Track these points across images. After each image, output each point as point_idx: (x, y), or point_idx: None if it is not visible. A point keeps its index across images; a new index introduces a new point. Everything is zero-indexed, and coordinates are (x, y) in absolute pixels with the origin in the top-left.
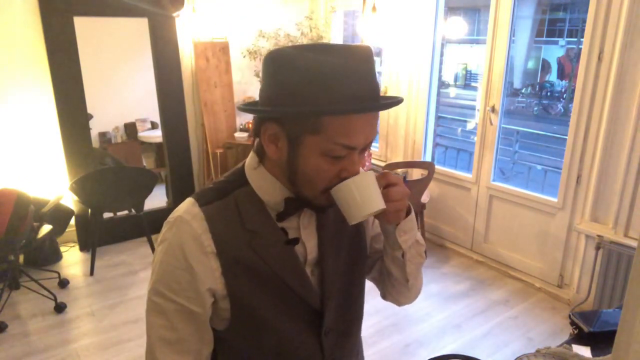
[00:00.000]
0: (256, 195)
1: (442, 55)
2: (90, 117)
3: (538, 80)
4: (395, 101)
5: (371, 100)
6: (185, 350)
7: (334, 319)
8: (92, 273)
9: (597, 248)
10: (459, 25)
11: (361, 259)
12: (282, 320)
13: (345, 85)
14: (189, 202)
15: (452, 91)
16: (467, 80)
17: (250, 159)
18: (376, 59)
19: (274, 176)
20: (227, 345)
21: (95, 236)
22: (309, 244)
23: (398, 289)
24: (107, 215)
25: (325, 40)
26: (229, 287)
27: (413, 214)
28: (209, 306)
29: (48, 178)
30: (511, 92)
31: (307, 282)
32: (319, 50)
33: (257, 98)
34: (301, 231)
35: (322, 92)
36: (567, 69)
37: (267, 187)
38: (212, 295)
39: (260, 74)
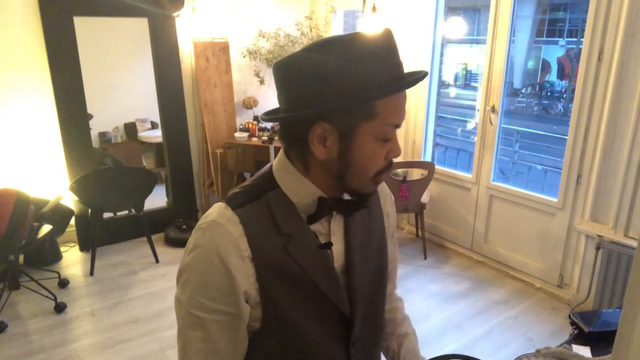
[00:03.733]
0: (287, 197)
1: (442, 55)
2: (90, 117)
3: (538, 80)
4: (424, 73)
5: (404, 76)
6: None
7: (361, 329)
8: (92, 273)
9: (597, 248)
10: (459, 25)
11: (384, 270)
12: (313, 327)
13: (387, 64)
14: (220, 206)
15: (452, 91)
16: (467, 80)
17: (279, 162)
18: None
19: (315, 178)
20: (251, 354)
21: (95, 236)
22: (336, 251)
23: None
24: (107, 215)
25: None
26: (262, 293)
27: None
28: (248, 310)
29: (48, 178)
30: (511, 92)
31: (340, 288)
32: (350, 40)
33: (257, 98)
34: (331, 236)
35: (372, 75)
36: (567, 69)
37: (298, 188)
38: (246, 300)
39: (280, 82)
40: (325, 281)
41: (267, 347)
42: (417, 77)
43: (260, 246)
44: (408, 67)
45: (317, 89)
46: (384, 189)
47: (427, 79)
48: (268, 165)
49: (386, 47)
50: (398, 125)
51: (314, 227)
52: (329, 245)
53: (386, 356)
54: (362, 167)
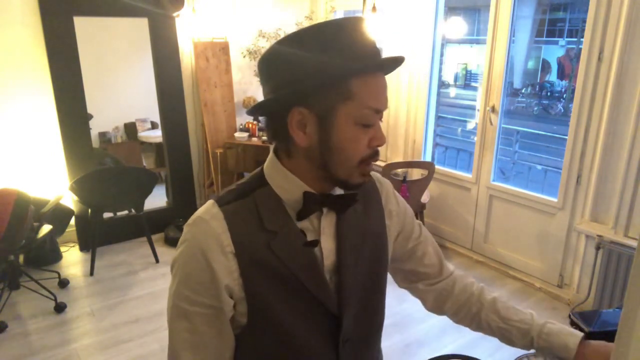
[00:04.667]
0: (276, 194)
1: (442, 55)
2: (90, 117)
3: (538, 80)
4: (401, 57)
5: (378, 58)
6: (207, 354)
7: (352, 328)
8: (92, 273)
9: (597, 248)
10: (459, 25)
11: (382, 270)
12: (300, 324)
13: (362, 46)
14: (208, 203)
15: (452, 91)
16: (467, 80)
17: (268, 160)
18: None
19: (301, 171)
20: (240, 351)
21: (95, 236)
22: (327, 249)
23: (474, 326)
24: (107, 215)
25: None
26: (247, 288)
27: None
28: (231, 304)
29: (48, 178)
30: (511, 92)
31: (325, 285)
32: (324, 26)
33: (257, 98)
34: (320, 235)
35: (345, 56)
36: (567, 69)
37: (286, 184)
38: (230, 295)
39: (262, 75)
40: (310, 279)
41: (254, 343)
42: (390, 58)
43: (243, 242)
44: (408, 67)
45: (292, 73)
46: (385, 187)
47: (427, 78)
48: (261, 167)
49: (359, 32)
50: (379, 111)
51: (303, 224)
52: (314, 243)
53: (489, 331)
54: (343, 152)
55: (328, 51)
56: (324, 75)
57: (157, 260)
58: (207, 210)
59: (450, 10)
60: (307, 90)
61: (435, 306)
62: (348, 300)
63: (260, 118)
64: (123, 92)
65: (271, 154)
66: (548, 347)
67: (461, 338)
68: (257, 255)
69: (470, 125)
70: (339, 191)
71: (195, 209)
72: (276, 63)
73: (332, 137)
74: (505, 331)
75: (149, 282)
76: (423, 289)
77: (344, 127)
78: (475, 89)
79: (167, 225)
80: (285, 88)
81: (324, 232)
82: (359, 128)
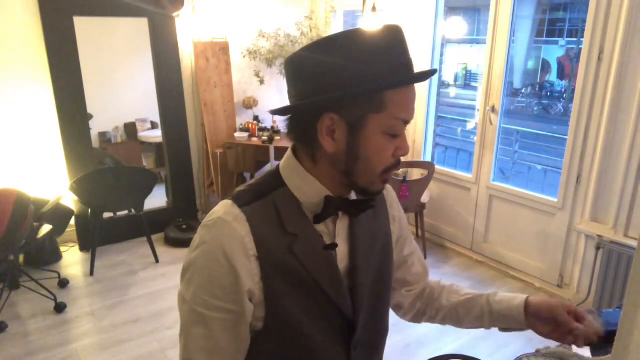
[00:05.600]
0: (294, 196)
1: (442, 55)
2: (90, 117)
3: (538, 80)
4: (434, 69)
5: (413, 71)
6: (222, 358)
7: (363, 332)
8: (92, 273)
9: (597, 248)
10: (459, 25)
11: (388, 274)
12: (315, 329)
13: (397, 58)
14: (227, 203)
15: (452, 91)
16: (467, 80)
17: (287, 161)
18: None
19: (323, 175)
20: (252, 354)
21: (95, 236)
22: (341, 253)
23: (439, 320)
24: (107, 215)
25: None
26: (267, 292)
27: None
28: (252, 309)
29: (48, 178)
30: (511, 92)
31: (344, 289)
32: (360, 34)
33: (257, 98)
34: (335, 237)
35: (381, 67)
36: (567, 69)
37: (305, 187)
38: (250, 299)
39: (291, 76)
40: (328, 283)
41: (269, 348)
42: (426, 71)
43: (266, 245)
44: None
45: (327, 80)
46: (390, 193)
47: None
48: (275, 165)
49: (396, 42)
50: (407, 121)
51: (318, 227)
52: (333, 246)
53: (450, 312)
54: (369, 161)
55: (366, 61)
56: (362, 86)
57: (157, 260)
58: (228, 211)
59: (450, 10)
60: (342, 99)
61: (408, 310)
62: (361, 304)
63: (280, 119)
64: (123, 92)
65: (290, 154)
66: (502, 301)
67: (461, 338)
68: (279, 259)
69: (470, 125)
70: (354, 195)
71: (196, 209)
72: (309, 67)
73: (360, 145)
74: (463, 304)
75: (149, 282)
76: (404, 294)
77: (373, 136)
78: (475, 89)
79: (167, 225)
80: (319, 94)
81: (339, 235)
82: (386, 138)
